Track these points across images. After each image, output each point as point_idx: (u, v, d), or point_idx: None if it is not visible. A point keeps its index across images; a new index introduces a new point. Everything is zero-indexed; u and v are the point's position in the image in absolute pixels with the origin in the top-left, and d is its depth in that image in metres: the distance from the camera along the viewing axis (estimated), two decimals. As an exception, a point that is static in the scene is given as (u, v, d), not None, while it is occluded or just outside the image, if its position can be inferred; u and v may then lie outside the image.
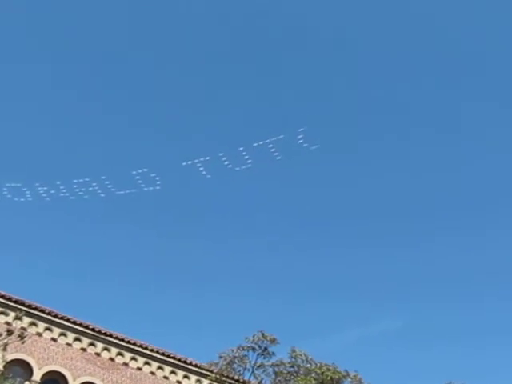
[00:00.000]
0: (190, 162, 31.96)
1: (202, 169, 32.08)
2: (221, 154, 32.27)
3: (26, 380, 24.41)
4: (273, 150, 32.01)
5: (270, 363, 24.22)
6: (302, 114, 56.78)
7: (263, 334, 24.07)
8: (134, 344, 26.90)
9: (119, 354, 26.54)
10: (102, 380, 25.79)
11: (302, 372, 23.42)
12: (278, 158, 32.45)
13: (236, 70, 63.62)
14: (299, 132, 31.99)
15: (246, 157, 31.97)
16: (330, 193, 61.75)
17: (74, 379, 25.26)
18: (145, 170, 31.71)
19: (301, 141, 31.91)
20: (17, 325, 22.01)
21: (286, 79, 63.11)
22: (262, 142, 32.16)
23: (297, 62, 62.07)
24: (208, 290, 55.51)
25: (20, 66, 56.32)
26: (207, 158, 32.06)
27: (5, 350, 20.04)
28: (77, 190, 31.09)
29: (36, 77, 58.56)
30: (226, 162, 32.24)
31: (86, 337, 26.14)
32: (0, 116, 52.65)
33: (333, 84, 64.42)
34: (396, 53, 63.27)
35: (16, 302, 25.09)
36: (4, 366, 22.68)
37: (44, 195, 30.98)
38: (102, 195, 31.41)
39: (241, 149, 32.10)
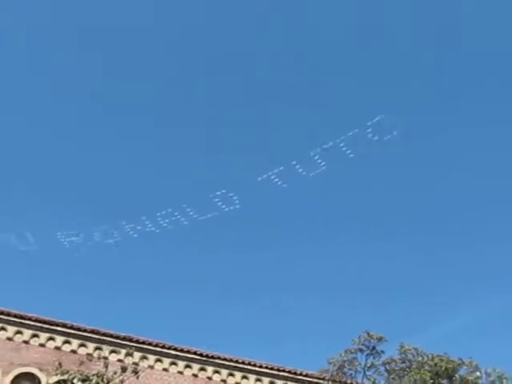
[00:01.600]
0: (264, 176, 32.22)
1: (276, 180, 32.26)
2: (294, 163, 32.37)
3: (146, 413, 25.13)
4: (344, 148, 31.81)
5: (380, 362, 23.90)
6: (367, 106, 55.61)
7: (369, 334, 23.81)
8: (243, 363, 27.22)
9: (230, 374, 26.92)
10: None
11: (414, 366, 22.97)
12: (351, 155, 32.20)
13: (292, 75, 63.41)
14: (367, 126, 31.69)
15: (319, 160, 31.92)
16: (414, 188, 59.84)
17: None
18: (223, 191, 32.23)
19: (370, 134, 31.59)
20: (129, 361, 22.79)
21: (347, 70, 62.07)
22: (331, 143, 32.03)
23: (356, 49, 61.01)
24: (306, 298, 55.13)
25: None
26: (281, 168, 32.24)
27: (122, 386, 20.78)
28: (161, 222, 31.93)
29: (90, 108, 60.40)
30: (300, 170, 32.29)
31: (195, 363, 26.70)
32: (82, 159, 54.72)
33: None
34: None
35: (124, 338, 26.00)
36: (123, 402, 23.56)
37: (131, 232, 32.00)
38: (186, 223, 32.12)
39: (312, 153, 32.09)
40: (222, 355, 27.17)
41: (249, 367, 27.21)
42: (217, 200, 32.08)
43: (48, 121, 57.48)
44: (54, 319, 26.02)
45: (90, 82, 60.87)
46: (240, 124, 62.27)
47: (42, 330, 25.57)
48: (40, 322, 25.67)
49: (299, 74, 62.30)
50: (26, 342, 25.26)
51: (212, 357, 26.95)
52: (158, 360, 26.34)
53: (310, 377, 27.32)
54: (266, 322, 53.52)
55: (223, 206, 32.50)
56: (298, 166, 32.29)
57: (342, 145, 31.65)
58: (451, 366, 22.29)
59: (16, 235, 30.52)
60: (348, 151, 31.86)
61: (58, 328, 25.75)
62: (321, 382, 25.27)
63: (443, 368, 22.18)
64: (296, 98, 60.85)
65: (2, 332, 25.21)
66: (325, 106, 63.30)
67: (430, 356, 22.77)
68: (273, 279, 58.16)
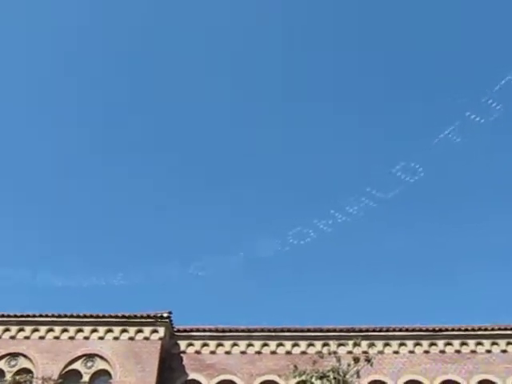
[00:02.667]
0: (441, 136, 30.94)
1: (455, 138, 30.81)
2: (467, 114, 30.69)
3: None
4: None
5: None
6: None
7: None
8: (473, 330, 26.31)
9: (463, 343, 26.15)
10: (458, 373, 25.54)
11: None
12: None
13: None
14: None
15: (493, 104, 29.94)
16: None
17: (431, 382, 25.38)
18: (402, 163, 31.48)
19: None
20: (358, 351, 23.00)
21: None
22: (503, 82, 29.93)
23: None
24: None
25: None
26: (456, 123, 30.78)
27: (359, 376, 21.02)
28: (350, 210, 32.00)
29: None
30: (477, 119, 30.54)
31: (424, 339, 26.31)
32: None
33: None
34: None
35: (348, 330, 26.43)
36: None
37: (325, 228, 32.44)
38: (374, 205, 31.84)
39: (483, 100, 30.20)
40: (449, 326, 26.51)
41: (480, 333, 26.25)
42: (399, 174, 31.42)
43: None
44: (279, 326, 27.17)
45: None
46: (400, 88, 60.46)
47: (270, 338, 26.78)
48: (267, 331, 26.91)
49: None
50: (258, 353, 26.60)
51: (440, 330, 26.40)
52: (387, 344, 26.34)
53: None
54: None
55: (407, 179, 31.73)
56: (473, 116, 30.58)
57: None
58: None
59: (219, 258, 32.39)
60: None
61: (285, 333, 26.82)
62: None
63: None
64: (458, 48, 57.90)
65: (235, 348, 26.77)
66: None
67: None
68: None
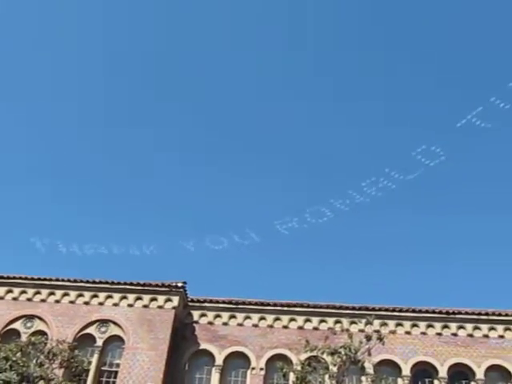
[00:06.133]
0: (464, 121, 30.47)
1: (478, 122, 30.31)
2: (492, 99, 30.18)
3: (398, 377, 25.25)
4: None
5: None
6: None
7: None
8: (486, 314, 26.21)
9: (476, 328, 26.04)
10: (469, 357, 25.49)
11: None
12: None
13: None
14: None
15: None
16: None
17: (442, 364, 25.37)
18: (423, 147, 31.11)
19: None
20: (370, 329, 23.03)
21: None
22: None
23: None
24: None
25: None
26: (479, 108, 30.27)
27: (369, 354, 21.08)
28: (368, 191, 31.75)
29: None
30: (502, 104, 30.01)
31: (436, 321, 26.26)
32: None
33: None
34: None
35: (361, 308, 26.45)
36: (374, 370, 23.93)
37: (342, 207, 32.28)
38: (393, 187, 31.58)
39: (509, 85, 29.63)
40: (463, 310, 26.40)
41: (493, 318, 26.11)
42: (419, 157, 31.07)
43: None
44: (292, 301, 27.24)
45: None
46: (428, 71, 59.71)
47: (282, 312, 26.88)
48: (280, 305, 27.00)
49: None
50: (270, 327, 26.73)
51: (453, 313, 26.31)
52: (399, 324, 26.33)
53: None
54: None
55: (427, 162, 31.37)
56: (498, 102, 30.05)
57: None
58: None
59: (238, 233, 32.47)
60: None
61: (297, 309, 26.90)
62: None
63: None
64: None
65: (248, 320, 26.92)
66: None
67: None
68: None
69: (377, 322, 25.45)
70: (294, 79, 60.58)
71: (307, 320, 26.68)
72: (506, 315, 26.07)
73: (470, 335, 25.99)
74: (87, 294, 26.89)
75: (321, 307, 26.91)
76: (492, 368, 25.19)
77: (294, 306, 27.00)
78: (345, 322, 25.84)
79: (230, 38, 62.04)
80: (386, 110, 58.30)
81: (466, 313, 26.35)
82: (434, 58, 59.28)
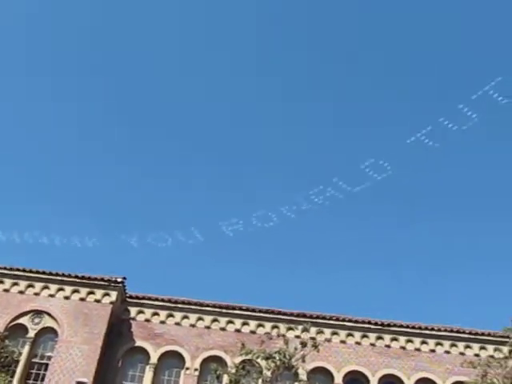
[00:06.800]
0: (413, 138, 31.22)
1: (426, 141, 31.13)
2: (441, 119, 31.02)
3: (330, 385, 25.61)
4: (495, 95, 29.95)
5: None
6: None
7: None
8: (420, 328, 26.79)
9: (409, 341, 26.61)
10: (400, 369, 26.01)
11: None
12: (504, 101, 30.24)
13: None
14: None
15: (469, 112, 30.31)
16: None
17: (373, 374, 25.82)
18: (372, 160, 31.72)
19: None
20: (306, 336, 23.24)
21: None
22: (480, 92, 30.27)
23: None
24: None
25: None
26: (429, 128, 31.05)
27: (303, 361, 21.28)
28: (315, 200, 32.14)
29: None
30: (450, 125, 30.87)
31: (371, 332, 26.70)
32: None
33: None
34: None
35: (298, 315, 26.66)
36: (307, 377, 24.13)
37: (288, 213, 32.55)
38: (340, 197, 32.06)
39: (460, 106, 30.55)
40: (398, 322, 26.94)
41: (426, 332, 26.72)
42: (367, 170, 31.66)
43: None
44: (231, 303, 27.25)
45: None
46: (378, 90, 60.80)
47: (221, 314, 26.86)
48: (219, 307, 26.98)
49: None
50: (207, 328, 26.66)
51: (388, 325, 26.81)
52: (335, 333, 26.65)
53: (493, 336, 26.30)
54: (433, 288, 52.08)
55: (375, 175, 32.00)
56: (446, 122, 30.91)
57: (491, 92, 29.92)
58: None
59: (182, 231, 32.34)
60: (500, 98, 30.02)
61: (235, 311, 26.92)
62: (507, 340, 24.14)
63: None
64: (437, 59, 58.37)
65: (185, 320, 26.78)
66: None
67: None
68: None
69: (313, 330, 25.67)
70: (239, 79, 60.49)
71: (245, 323, 26.74)
72: (439, 330, 26.72)
73: (403, 347, 26.54)
74: (23, 284, 26.25)
75: (259, 311, 27.01)
76: (421, 381, 25.78)
77: (233, 308, 27.03)
78: (282, 327, 25.99)
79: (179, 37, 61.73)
80: (335, 120, 59.17)
81: (401, 325, 26.90)
82: (390, 74, 60.50)
